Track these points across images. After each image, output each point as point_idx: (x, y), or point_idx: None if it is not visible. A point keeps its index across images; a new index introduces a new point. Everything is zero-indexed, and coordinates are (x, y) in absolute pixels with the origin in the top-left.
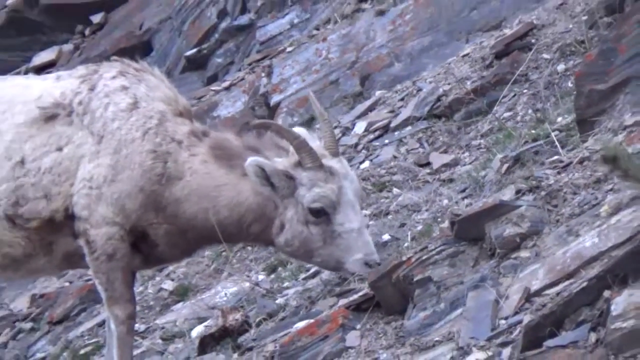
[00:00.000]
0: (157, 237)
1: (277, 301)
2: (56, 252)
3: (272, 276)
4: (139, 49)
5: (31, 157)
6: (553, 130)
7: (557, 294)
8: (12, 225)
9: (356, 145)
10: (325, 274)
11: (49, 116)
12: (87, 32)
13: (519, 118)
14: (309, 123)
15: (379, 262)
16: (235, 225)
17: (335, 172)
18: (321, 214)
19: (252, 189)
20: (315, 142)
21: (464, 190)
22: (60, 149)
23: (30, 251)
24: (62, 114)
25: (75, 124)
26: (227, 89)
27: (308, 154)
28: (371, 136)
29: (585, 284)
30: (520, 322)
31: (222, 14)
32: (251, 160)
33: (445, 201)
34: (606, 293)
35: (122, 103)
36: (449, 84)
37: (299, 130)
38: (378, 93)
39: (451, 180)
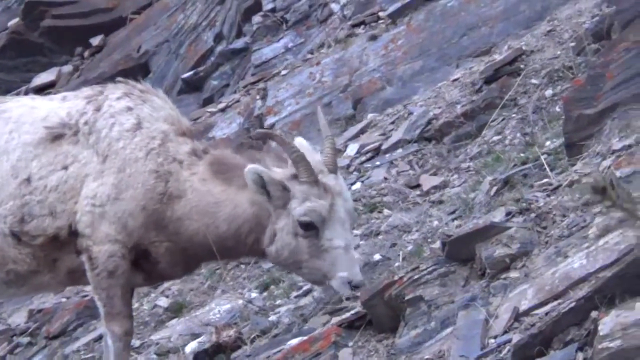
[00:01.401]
0: (159, 254)
1: (269, 318)
2: (60, 268)
3: (265, 294)
4: (137, 71)
5: (37, 175)
6: (542, 154)
7: (546, 313)
8: (17, 241)
9: (348, 166)
10: (317, 292)
11: (56, 136)
12: (86, 54)
13: (507, 142)
14: None
15: (363, 284)
16: (234, 238)
17: (329, 188)
18: (310, 228)
19: (249, 200)
20: (316, 156)
21: (453, 212)
22: (66, 168)
23: (34, 267)
24: (69, 134)
25: (81, 143)
26: (223, 110)
27: (304, 168)
28: (363, 158)
29: (573, 304)
30: (509, 341)
31: (219, 38)
32: (250, 167)
33: (435, 222)
34: (594, 313)
35: (127, 123)
36: (439, 107)
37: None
38: (370, 116)
39: (441, 202)
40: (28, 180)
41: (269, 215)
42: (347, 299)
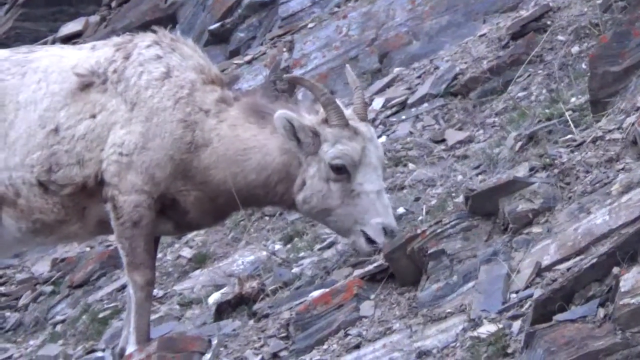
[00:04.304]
0: (187, 204)
1: (292, 270)
2: (89, 218)
3: (289, 246)
4: (164, 22)
5: (65, 125)
6: (567, 110)
7: (568, 269)
8: (44, 191)
9: (373, 120)
10: (341, 245)
11: (85, 84)
12: (113, 4)
13: (533, 98)
14: None
15: (397, 230)
16: (262, 187)
17: (360, 132)
18: (342, 172)
19: (279, 148)
20: (346, 110)
21: (477, 167)
22: (94, 116)
23: (63, 217)
24: (97, 82)
25: (110, 91)
26: (249, 62)
27: (335, 110)
28: (388, 112)
29: (595, 260)
30: (530, 296)
31: None
32: (280, 112)
33: (460, 177)
34: (615, 270)
35: (156, 72)
36: (465, 63)
37: None
38: (396, 70)
39: (465, 157)
40: (56, 130)
41: (299, 164)
42: (371, 254)
